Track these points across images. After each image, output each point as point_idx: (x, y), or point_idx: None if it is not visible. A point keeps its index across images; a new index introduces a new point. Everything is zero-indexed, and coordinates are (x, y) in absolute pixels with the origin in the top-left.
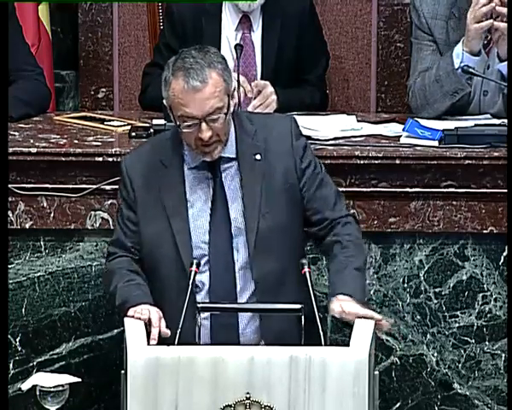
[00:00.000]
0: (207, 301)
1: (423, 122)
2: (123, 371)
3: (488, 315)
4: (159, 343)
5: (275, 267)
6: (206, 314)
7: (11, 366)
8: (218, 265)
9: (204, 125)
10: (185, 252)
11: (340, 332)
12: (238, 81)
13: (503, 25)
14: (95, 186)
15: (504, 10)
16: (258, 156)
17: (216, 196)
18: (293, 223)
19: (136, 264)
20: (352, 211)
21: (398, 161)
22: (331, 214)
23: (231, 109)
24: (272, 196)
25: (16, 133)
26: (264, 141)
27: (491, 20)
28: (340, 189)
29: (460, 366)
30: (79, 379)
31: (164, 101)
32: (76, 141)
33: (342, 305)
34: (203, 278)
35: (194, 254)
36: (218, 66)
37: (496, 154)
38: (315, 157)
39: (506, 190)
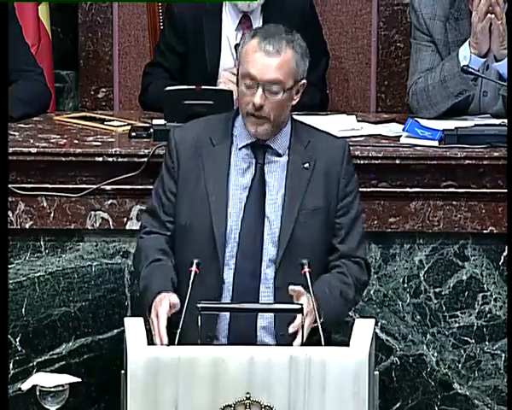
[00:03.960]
0: (232, 282)
1: (423, 122)
2: (123, 371)
3: (488, 315)
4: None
5: (298, 281)
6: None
7: (11, 366)
8: (246, 248)
9: (260, 90)
10: (219, 232)
11: (340, 332)
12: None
13: (497, 22)
14: (95, 186)
15: (498, 9)
16: (306, 165)
17: (254, 184)
18: (323, 244)
19: (166, 243)
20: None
21: (398, 161)
22: (350, 251)
23: (293, 96)
24: (311, 208)
25: (16, 133)
26: (316, 154)
27: (492, 15)
28: None
29: (460, 366)
30: (79, 379)
31: (237, 57)
32: (76, 141)
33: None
34: (231, 259)
35: (227, 235)
36: (296, 48)
37: (496, 154)
38: (358, 190)
39: (506, 190)
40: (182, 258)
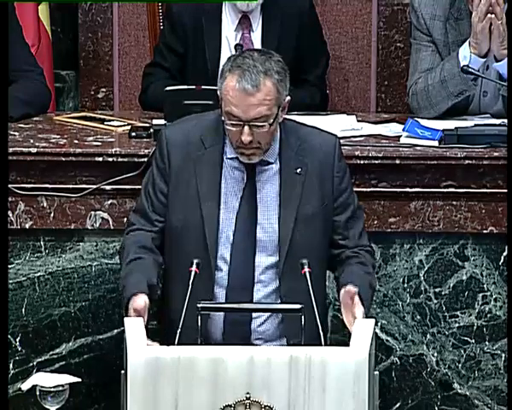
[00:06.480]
0: (225, 285)
1: (423, 122)
2: (123, 371)
3: (488, 315)
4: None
5: (302, 287)
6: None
7: (11, 366)
8: (238, 260)
9: (247, 128)
10: (212, 238)
11: (340, 332)
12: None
13: (497, 22)
14: (95, 186)
15: (498, 9)
16: (299, 170)
17: (245, 195)
18: (323, 244)
19: (152, 240)
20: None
21: (398, 161)
22: (356, 243)
23: (279, 120)
24: (308, 213)
25: (16, 133)
26: (308, 157)
27: (492, 15)
28: None
29: (460, 366)
30: (79, 379)
31: (218, 90)
32: (76, 141)
33: (353, 311)
34: (223, 266)
35: (219, 241)
36: (274, 75)
37: (496, 154)
38: (352, 184)
39: (506, 190)
40: (174, 259)
